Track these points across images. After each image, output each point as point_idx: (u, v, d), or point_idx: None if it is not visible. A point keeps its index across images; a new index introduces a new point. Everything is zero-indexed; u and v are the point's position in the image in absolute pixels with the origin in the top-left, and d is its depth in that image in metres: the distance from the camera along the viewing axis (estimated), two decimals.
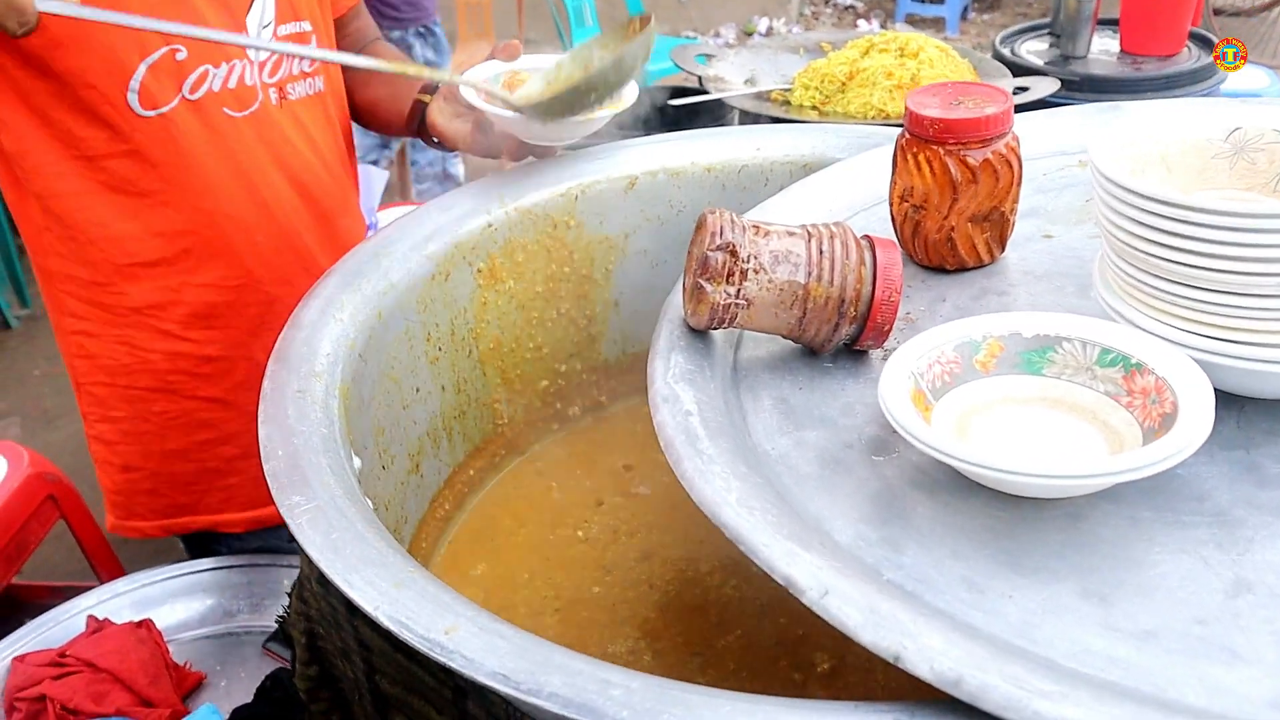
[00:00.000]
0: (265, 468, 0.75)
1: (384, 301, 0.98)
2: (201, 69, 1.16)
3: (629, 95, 1.12)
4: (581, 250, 1.20)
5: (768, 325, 0.80)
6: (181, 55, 1.14)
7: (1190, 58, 2.61)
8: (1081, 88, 2.49)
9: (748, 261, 0.76)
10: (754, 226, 0.78)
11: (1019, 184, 0.94)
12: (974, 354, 0.76)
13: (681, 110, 2.32)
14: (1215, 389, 0.68)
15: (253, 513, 1.40)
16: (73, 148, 1.15)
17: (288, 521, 0.69)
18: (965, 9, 6.91)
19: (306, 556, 0.70)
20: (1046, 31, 2.81)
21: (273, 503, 1.28)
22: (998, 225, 0.95)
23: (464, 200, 1.13)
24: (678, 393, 0.77)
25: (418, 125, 1.31)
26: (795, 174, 1.21)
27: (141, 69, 1.13)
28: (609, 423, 1.32)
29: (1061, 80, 2.37)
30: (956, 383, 0.75)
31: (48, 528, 2.35)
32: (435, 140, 1.28)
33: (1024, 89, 2.31)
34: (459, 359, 1.13)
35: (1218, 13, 6.06)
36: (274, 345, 0.90)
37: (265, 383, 0.85)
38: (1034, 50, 2.73)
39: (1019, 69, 2.47)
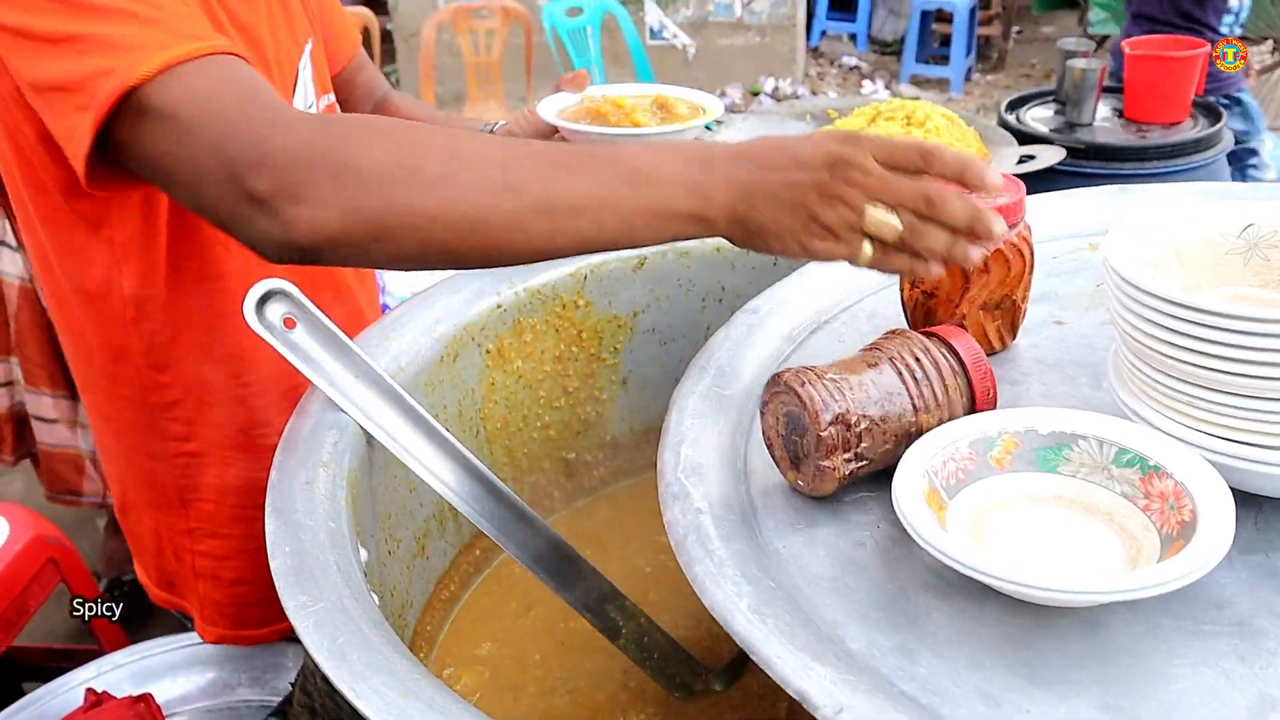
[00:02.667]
0: (271, 564, 0.74)
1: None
2: None
3: (717, 106, 1.15)
4: (590, 329, 1.20)
5: (886, 465, 0.78)
6: None
7: (1194, 126, 2.63)
8: (1087, 155, 2.51)
9: (858, 424, 0.75)
10: (840, 377, 0.76)
11: (1030, 272, 0.94)
12: (989, 450, 0.75)
13: None
14: (1233, 489, 0.68)
15: None
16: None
17: (294, 623, 0.69)
18: (969, 70, 6.98)
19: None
20: (1051, 98, 2.83)
21: None
22: (1009, 313, 0.94)
23: (473, 281, 1.13)
24: (688, 489, 0.77)
25: None
26: None
27: None
28: (616, 500, 1.31)
29: (1067, 148, 2.39)
30: (971, 480, 0.74)
31: (49, 591, 2.33)
32: None
33: (1030, 157, 2.33)
34: (466, 439, 1.12)
35: None
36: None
37: (272, 473, 0.85)
38: (1039, 117, 2.75)
39: (1025, 136, 2.49)
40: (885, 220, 0.73)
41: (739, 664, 1.10)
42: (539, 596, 1.18)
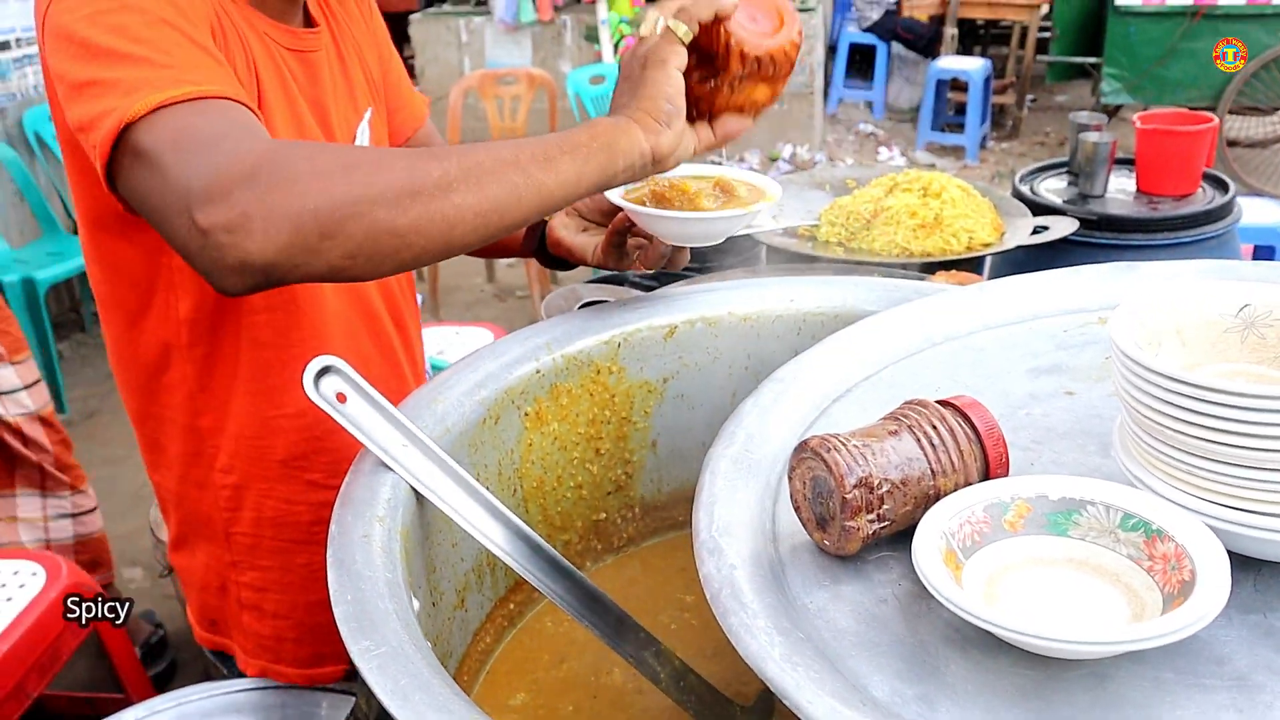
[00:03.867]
0: (335, 611, 0.79)
1: (438, 446, 1.03)
2: None
3: (776, 189, 1.22)
4: (622, 394, 1.26)
5: (907, 526, 0.83)
6: None
7: (1205, 198, 2.69)
8: (1099, 226, 2.58)
9: (880, 486, 0.80)
10: (863, 444, 0.82)
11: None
12: (1003, 515, 0.81)
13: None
14: (1233, 553, 0.73)
15: None
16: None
17: (359, 665, 0.74)
18: (984, 137, 7.09)
19: (372, 697, 0.74)
20: (1065, 170, 2.91)
21: None
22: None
23: (514, 347, 1.19)
24: (722, 546, 0.82)
25: (537, 244, 1.33)
26: (827, 324, 1.27)
27: None
28: (644, 559, 1.36)
29: (1080, 219, 2.46)
30: (986, 542, 0.80)
31: (80, 639, 2.39)
32: (554, 258, 1.31)
33: (1044, 227, 2.40)
34: (504, 497, 1.18)
35: (1232, 144, 6.20)
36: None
37: (332, 526, 0.90)
38: (1053, 189, 2.82)
39: (1039, 207, 2.57)
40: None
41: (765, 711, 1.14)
42: (570, 651, 1.23)
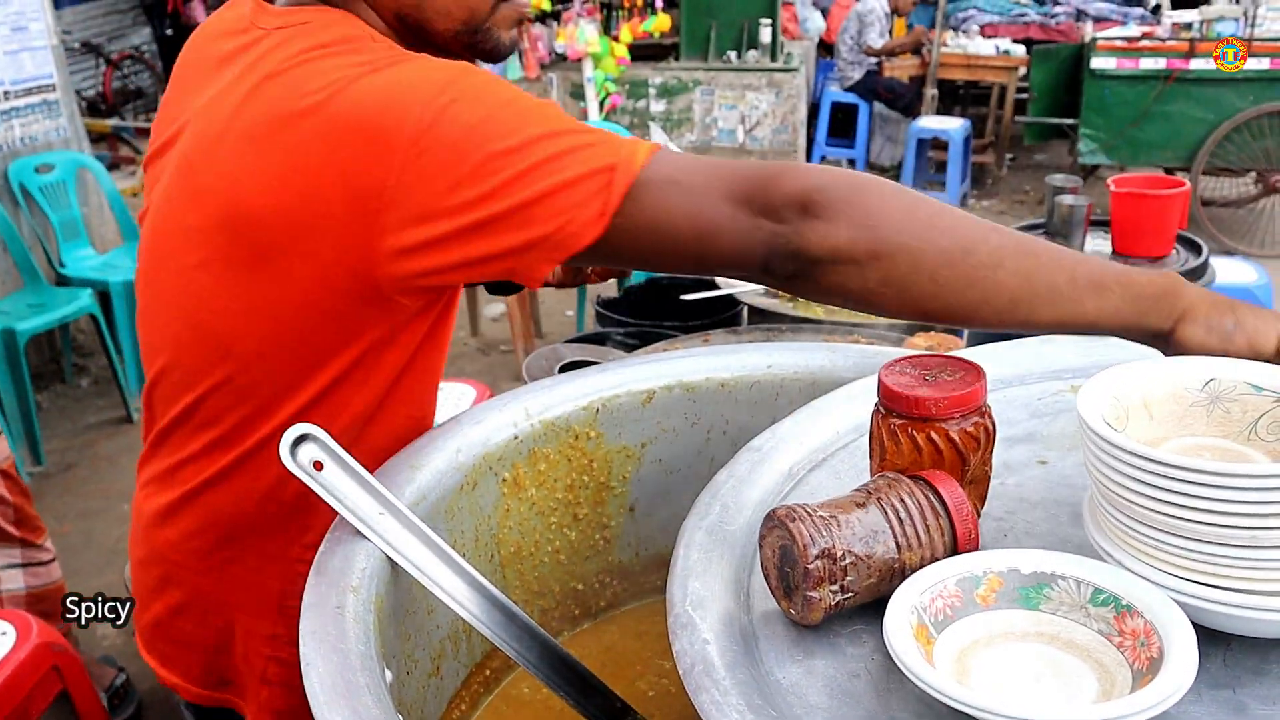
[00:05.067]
0: (306, 683, 0.79)
1: (416, 513, 1.03)
2: None
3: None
4: (600, 459, 1.27)
5: (872, 599, 0.84)
6: None
7: (1179, 260, 2.73)
8: None
9: (844, 558, 0.81)
10: (829, 515, 0.82)
11: (992, 445, 0.96)
12: (975, 588, 0.81)
13: (691, 302, 2.43)
14: (1203, 627, 0.74)
15: None
16: None
17: None
18: (964, 195, 7.19)
19: None
20: (1043, 230, 2.95)
21: None
22: (981, 484, 0.97)
23: (493, 414, 1.20)
24: (695, 620, 0.82)
25: None
26: (804, 389, 1.29)
27: None
28: (621, 624, 1.36)
29: None
30: (958, 616, 0.80)
31: (50, 698, 2.36)
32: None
33: None
34: (480, 563, 1.18)
35: (1206, 204, 6.31)
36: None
37: (306, 595, 0.90)
38: None
39: None
40: None
41: None
42: (548, 717, 1.22)
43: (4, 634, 2.26)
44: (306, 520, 1.12)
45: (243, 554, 1.17)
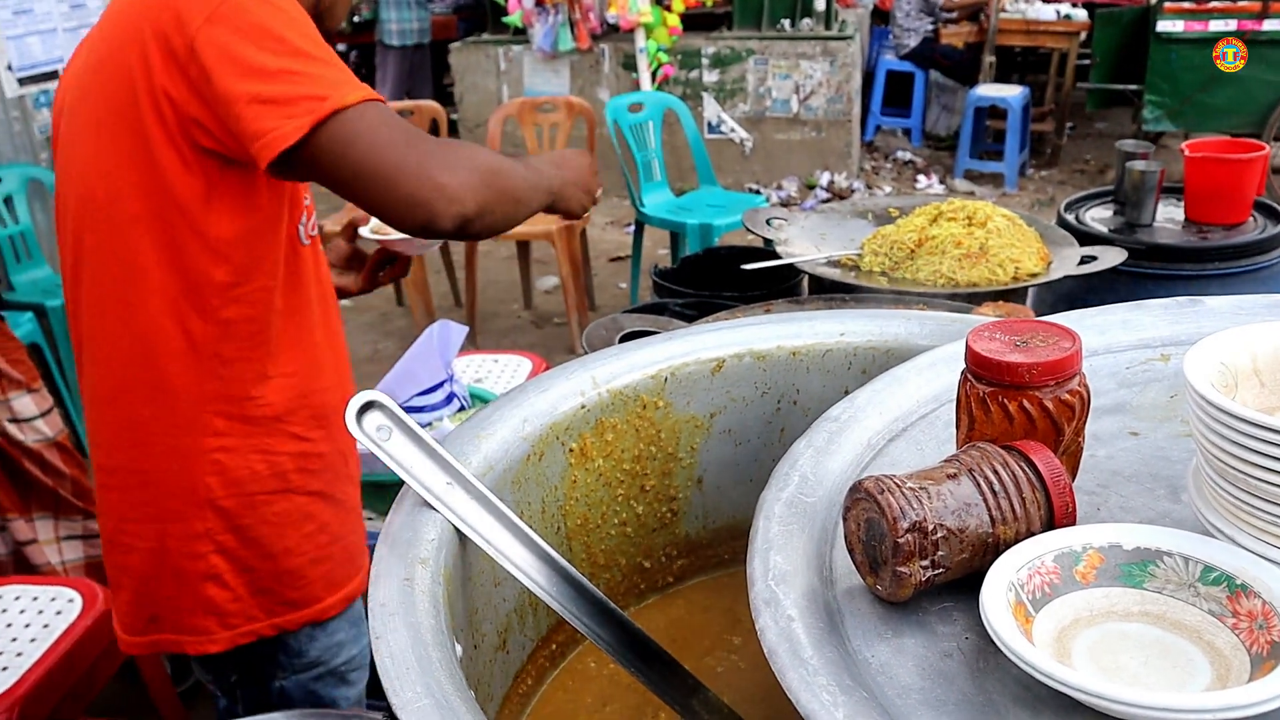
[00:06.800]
0: (377, 659, 0.77)
1: (483, 484, 1.01)
2: (311, 212, 1.47)
3: None
4: (668, 430, 1.23)
5: (963, 574, 0.80)
6: (308, 200, 1.45)
7: (1257, 227, 2.64)
8: (1148, 256, 2.53)
9: (935, 531, 0.77)
10: (919, 486, 0.78)
11: (1087, 414, 0.91)
12: (1074, 565, 0.77)
13: (751, 272, 2.39)
14: None
15: (342, 591, 1.55)
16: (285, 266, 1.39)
17: (400, 717, 0.71)
18: (1023, 165, 7.03)
19: None
20: (1110, 199, 2.86)
21: (358, 574, 1.59)
22: (1075, 456, 0.93)
23: (559, 382, 1.17)
24: (778, 595, 0.79)
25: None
26: (879, 359, 1.24)
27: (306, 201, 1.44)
28: (689, 598, 1.33)
29: (1128, 249, 2.41)
30: (1056, 594, 0.76)
31: (116, 666, 2.38)
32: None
33: (1092, 258, 2.35)
34: (547, 535, 1.15)
35: (1275, 172, 6.11)
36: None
37: (374, 566, 0.88)
38: (1099, 218, 2.77)
39: (1085, 237, 2.52)
40: None
41: None
42: (614, 693, 1.19)
43: (70, 601, 2.28)
44: (213, 426, 1.38)
45: (163, 459, 1.38)
